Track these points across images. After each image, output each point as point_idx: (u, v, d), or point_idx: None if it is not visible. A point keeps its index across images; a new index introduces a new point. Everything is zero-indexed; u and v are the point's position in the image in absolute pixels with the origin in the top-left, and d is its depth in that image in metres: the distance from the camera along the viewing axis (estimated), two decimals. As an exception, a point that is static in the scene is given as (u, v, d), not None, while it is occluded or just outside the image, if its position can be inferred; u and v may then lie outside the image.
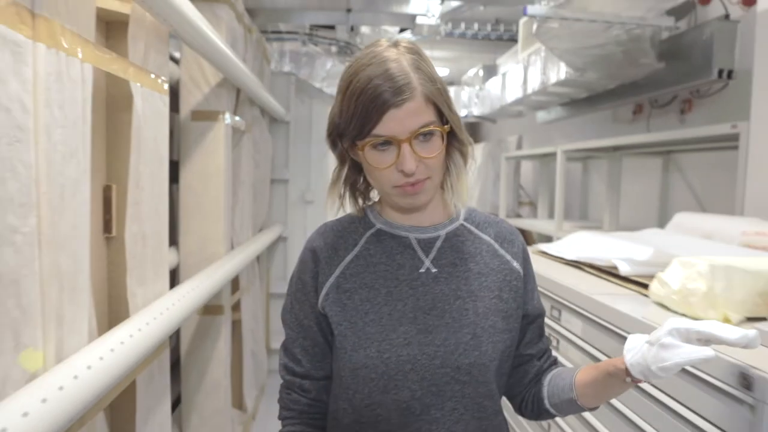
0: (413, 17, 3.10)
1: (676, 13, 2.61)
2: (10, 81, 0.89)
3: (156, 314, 1.43)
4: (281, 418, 0.97)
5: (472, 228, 0.95)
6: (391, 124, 0.81)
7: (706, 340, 0.75)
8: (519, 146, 5.26)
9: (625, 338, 0.92)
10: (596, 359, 1.13)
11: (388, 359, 0.86)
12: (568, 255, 1.47)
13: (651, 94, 2.92)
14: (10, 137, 0.89)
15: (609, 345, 1.06)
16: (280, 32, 3.65)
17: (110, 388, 1.15)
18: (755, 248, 1.41)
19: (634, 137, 2.86)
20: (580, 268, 1.41)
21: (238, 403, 2.99)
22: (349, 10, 2.92)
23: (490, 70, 4.75)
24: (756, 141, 1.95)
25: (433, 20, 3.08)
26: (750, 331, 0.70)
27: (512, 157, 4.59)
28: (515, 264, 0.94)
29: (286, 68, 3.99)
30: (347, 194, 0.94)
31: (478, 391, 0.88)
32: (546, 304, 1.40)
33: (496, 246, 0.95)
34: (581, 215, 4.36)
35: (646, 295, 1.09)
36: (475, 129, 7.39)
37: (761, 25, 1.95)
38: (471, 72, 5.22)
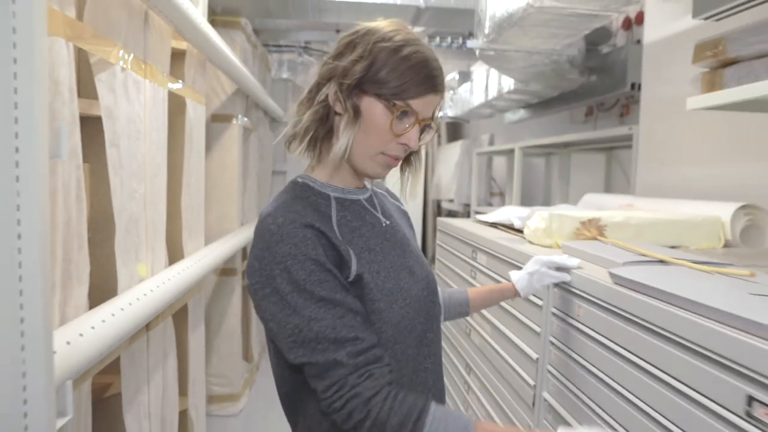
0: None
1: (602, 38, 3.28)
2: (135, 104, 1.52)
3: (198, 259, 2.07)
4: (373, 407, 0.81)
5: (375, 189, 1.08)
6: (425, 103, 0.89)
7: (559, 267, 1.21)
8: (491, 143, 5.90)
9: (512, 264, 1.55)
10: (495, 281, 1.74)
11: (410, 305, 0.93)
12: (489, 219, 2.11)
13: (587, 100, 3.56)
14: (135, 137, 1.52)
15: (503, 269, 1.68)
16: (279, 45, 4.27)
17: (175, 300, 1.77)
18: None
19: (564, 137, 3.51)
20: (494, 226, 2.05)
21: (246, 354, 3.61)
22: (338, 31, 3.55)
23: (465, 76, 5.37)
24: (643, 140, 2.59)
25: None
26: (577, 260, 1.23)
27: (482, 152, 5.24)
28: (405, 209, 1.16)
29: (284, 75, 4.62)
30: (306, 140, 0.95)
31: (439, 310, 1.06)
32: (467, 249, 2.05)
33: (392, 200, 1.13)
34: (543, 203, 5.01)
35: (524, 238, 1.71)
36: (456, 128, 8.03)
37: (646, 55, 2.59)
38: (449, 77, 5.86)
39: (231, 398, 3.22)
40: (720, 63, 1.44)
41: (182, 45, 2.03)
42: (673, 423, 0.85)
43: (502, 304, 1.64)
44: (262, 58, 3.82)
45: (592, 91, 3.43)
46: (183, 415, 2.20)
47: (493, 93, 3.88)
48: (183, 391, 2.16)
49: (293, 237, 0.85)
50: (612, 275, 1.06)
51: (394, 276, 0.93)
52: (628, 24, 3.18)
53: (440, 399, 1.03)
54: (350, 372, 0.83)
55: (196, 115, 2.14)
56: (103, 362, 1.34)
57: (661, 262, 1.17)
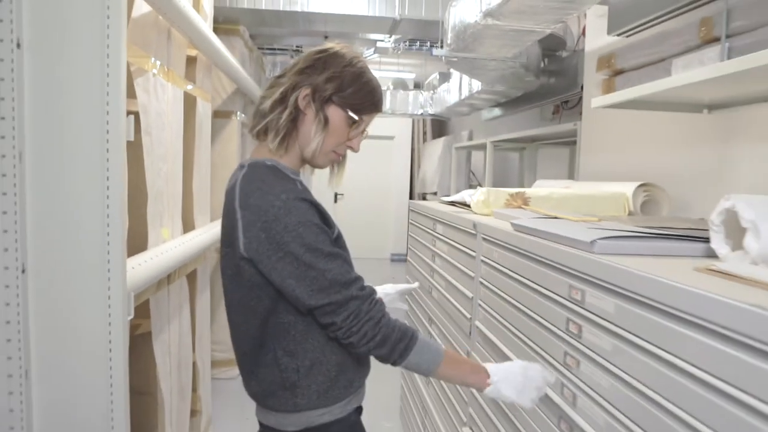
0: (375, 41, 4.17)
1: (559, 45, 3.72)
2: (161, 102, 1.93)
3: (205, 230, 2.49)
4: (382, 326, 1.09)
5: None
6: (370, 118, 1.21)
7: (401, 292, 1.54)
8: (470, 139, 6.33)
9: (460, 230, 1.98)
10: (452, 247, 2.16)
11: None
12: (449, 199, 2.54)
13: (551, 99, 4.00)
14: (161, 128, 1.94)
15: (453, 234, 2.09)
16: (273, 48, 4.68)
17: (188, 260, 2.19)
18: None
19: (526, 132, 3.96)
20: (453, 204, 2.47)
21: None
22: (326, 37, 3.97)
23: (444, 76, 5.81)
24: (583, 134, 3.03)
25: (390, 44, 4.14)
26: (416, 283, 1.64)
27: (460, 147, 5.68)
28: None
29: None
30: (281, 136, 1.16)
31: None
32: (430, 222, 2.48)
33: None
34: (515, 194, 5.45)
35: (471, 210, 2.14)
36: (441, 126, 8.48)
37: (587, 61, 3.02)
38: (430, 77, 6.29)
39: (230, 363, 3.64)
40: (613, 72, 1.87)
41: (193, 52, 2.45)
42: (539, 316, 1.28)
43: (447, 258, 2.08)
44: (257, 60, 4.24)
45: (553, 91, 3.87)
46: (193, 365, 2.62)
47: (465, 93, 4.31)
48: (192, 345, 2.58)
49: (298, 209, 1.07)
50: (513, 225, 1.49)
51: (343, 243, 1.21)
52: (585, 32, 3.61)
53: None
54: (362, 302, 1.09)
55: (204, 112, 2.55)
56: (139, 299, 1.75)
57: (555, 218, 1.60)
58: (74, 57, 1.19)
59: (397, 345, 1.11)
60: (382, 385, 3.89)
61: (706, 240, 1.08)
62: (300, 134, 1.19)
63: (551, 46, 3.67)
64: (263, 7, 3.24)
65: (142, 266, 1.55)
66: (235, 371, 3.82)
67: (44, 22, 1.17)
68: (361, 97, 1.19)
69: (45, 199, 1.21)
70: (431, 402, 2.40)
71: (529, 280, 1.35)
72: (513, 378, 1.14)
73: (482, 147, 5.30)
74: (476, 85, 4.01)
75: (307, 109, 1.17)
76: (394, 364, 1.14)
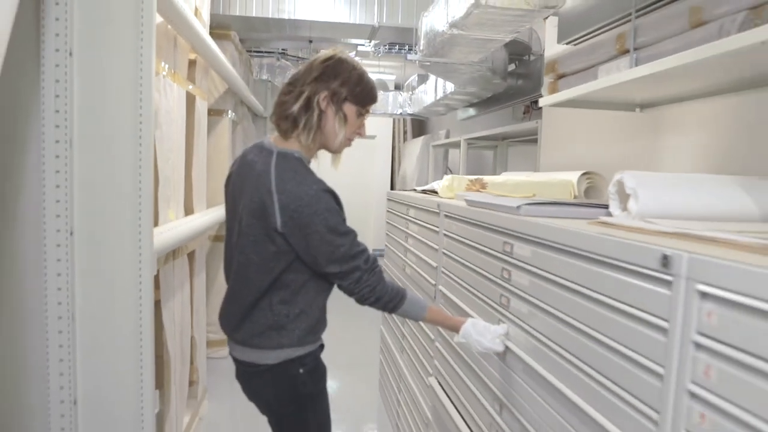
0: (356, 45, 4.49)
1: (524, 50, 4.07)
2: (169, 100, 2.23)
3: (202, 215, 2.79)
4: (377, 291, 1.44)
5: None
6: (370, 109, 1.55)
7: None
8: (447, 137, 6.68)
9: (427, 211, 2.30)
10: (421, 226, 2.48)
11: None
12: (421, 188, 2.87)
13: (519, 100, 4.35)
14: (169, 123, 2.24)
15: (425, 216, 2.40)
16: (260, 51, 4.98)
17: (189, 239, 2.48)
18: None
19: (494, 130, 4.30)
20: (425, 192, 2.80)
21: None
22: (310, 41, 4.28)
23: (422, 78, 6.14)
24: (543, 132, 3.37)
25: (370, 48, 4.46)
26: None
27: (437, 145, 6.01)
28: None
29: (264, 77, 5.33)
30: (307, 132, 1.48)
31: None
32: (403, 207, 2.80)
33: None
34: (488, 190, 5.80)
35: (438, 195, 2.46)
36: (421, 126, 8.82)
37: (545, 66, 3.36)
38: (409, 79, 6.63)
39: (222, 343, 3.93)
40: (557, 76, 2.21)
41: (193, 56, 2.74)
42: (482, 269, 1.60)
43: (417, 236, 2.40)
44: (246, 62, 4.53)
45: (521, 92, 4.22)
46: (191, 339, 2.91)
47: (440, 93, 4.64)
48: (190, 319, 2.88)
49: (325, 199, 1.39)
50: (466, 200, 1.82)
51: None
52: (549, 39, 3.97)
53: None
54: (363, 273, 1.43)
55: (202, 109, 2.85)
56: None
57: (502, 196, 1.93)
58: (113, 63, 1.49)
59: (388, 304, 1.48)
60: (363, 366, 4.22)
61: (607, 206, 1.42)
62: (325, 130, 1.51)
63: (518, 51, 4.02)
64: (254, 14, 3.55)
65: (157, 238, 1.86)
66: (227, 351, 4.12)
67: (89, 36, 1.48)
68: (366, 93, 1.52)
69: (89, 176, 1.51)
70: (404, 365, 2.72)
71: (476, 243, 1.68)
72: (478, 326, 1.50)
73: (457, 145, 5.64)
74: (450, 86, 4.35)
75: (328, 109, 1.49)
76: (390, 312, 1.51)
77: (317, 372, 1.57)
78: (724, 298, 0.71)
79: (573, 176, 2.47)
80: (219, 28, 3.64)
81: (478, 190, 2.30)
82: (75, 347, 1.54)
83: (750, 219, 1.28)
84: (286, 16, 3.58)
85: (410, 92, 6.11)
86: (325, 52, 1.54)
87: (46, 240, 1.49)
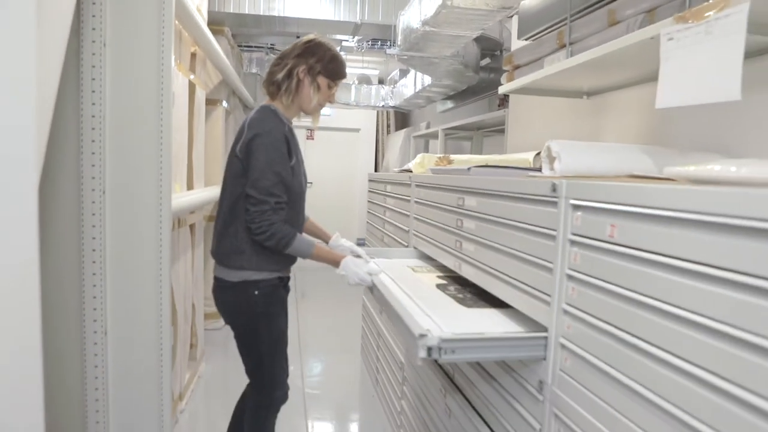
0: (341, 41, 4.82)
1: (495, 46, 4.42)
2: (176, 86, 2.55)
3: (200, 192, 3.11)
4: (273, 230, 1.75)
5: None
6: (340, 82, 1.96)
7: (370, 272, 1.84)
8: (427, 128, 7.03)
9: (401, 184, 2.64)
10: (396, 198, 2.82)
11: (302, 186, 1.92)
12: (399, 168, 3.22)
13: (493, 91, 4.72)
14: (178, 107, 2.56)
15: (400, 189, 2.75)
16: (250, 46, 5.30)
17: (189, 211, 2.81)
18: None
19: (466, 120, 4.65)
20: (402, 171, 3.15)
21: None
22: (298, 37, 4.59)
23: (404, 72, 6.49)
24: (510, 120, 3.73)
25: (354, 43, 4.80)
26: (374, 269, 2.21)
27: (418, 135, 6.36)
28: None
29: (254, 70, 5.64)
30: (285, 94, 1.87)
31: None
32: (381, 186, 3.14)
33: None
34: (465, 178, 6.15)
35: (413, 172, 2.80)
36: (404, 119, 9.18)
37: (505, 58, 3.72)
38: (392, 73, 6.97)
39: (216, 315, 4.25)
40: (513, 67, 2.57)
41: (192, 49, 3.06)
42: (443, 224, 1.95)
43: (393, 208, 2.75)
44: (237, 56, 4.84)
45: (494, 85, 4.58)
46: (192, 306, 3.24)
47: (419, 86, 4.99)
48: (191, 285, 3.20)
49: (275, 137, 1.78)
50: (430, 169, 2.16)
51: (299, 168, 1.90)
52: (514, 36, 4.33)
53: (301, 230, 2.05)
54: (271, 209, 1.75)
55: (201, 97, 3.17)
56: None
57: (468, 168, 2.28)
58: (139, 53, 1.82)
59: (281, 240, 1.79)
60: (347, 337, 4.56)
61: (540, 170, 1.77)
62: (301, 96, 1.92)
63: (490, 47, 4.38)
64: (246, 12, 3.87)
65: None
66: (221, 322, 4.44)
67: (120, 31, 1.80)
68: (336, 70, 1.94)
69: (119, 144, 1.84)
70: (382, 325, 3.07)
71: (438, 203, 2.03)
72: (355, 261, 1.87)
73: (436, 135, 5.99)
74: (428, 79, 4.70)
75: (305, 79, 1.90)
76: (282, 250, 1.81)
77: (271, 297, 1.90)
78: (584, 206, 1.07)
79: (530, 155, 2.83)
80: (213, 23, 3.95)
81: (445, 165, 2.65)
82: (106, 287, 1.87)
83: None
84: (276, 14, 3.91)
85: (392, 86, 6.46)
86: (307, 36, 1.98)
87: (83, 197, 1.81)
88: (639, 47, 1.62)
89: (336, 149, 8.94)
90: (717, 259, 0.75)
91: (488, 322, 1.37)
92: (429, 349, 1.11)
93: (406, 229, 2.51)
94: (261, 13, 3.91)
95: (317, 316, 5.14)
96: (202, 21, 2.71)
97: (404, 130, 7.73)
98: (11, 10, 0.92)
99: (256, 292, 1.86)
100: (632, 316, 0.92)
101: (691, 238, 0.80)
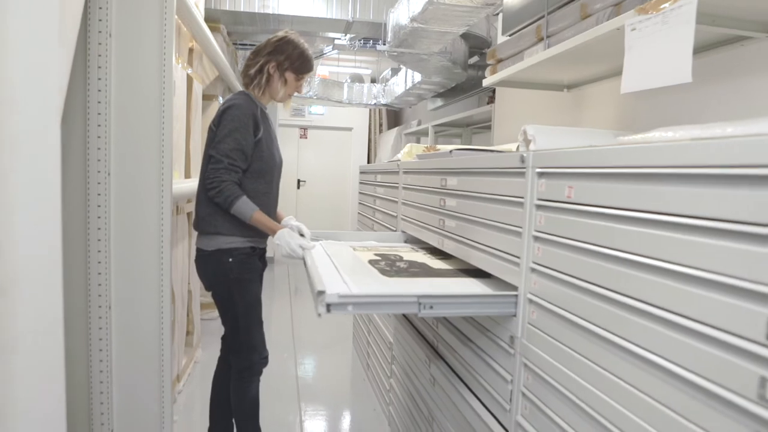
0: (332, 39, 4.95)
1: (483, 44, 4.56)
2: (175, 77, 2.67)
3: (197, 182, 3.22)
4: (223, 188, 1.97)
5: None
6: (307, 75, 2.21)
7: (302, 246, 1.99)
8: (419, 126, 7.16)
9: (390, 173, 2.77)
10: (386, 187, 2.95)
11: (272, 161, 2.13)
12: (389, 160, 3.35)
13: (481, 88, 4.85)
14: (177, 97, 2.68)
15: (389, 177, 2.87)
16: (244, 43, 5.40)
17: (190, 196, 2.92)
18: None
19: (454, 116, 4.79)
20: (391, 162, 3.28)
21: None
22: (291, 34, 4.72)
23: (395, 71, 6.62)
24: (496, 114, 3.87)
25: (346, 41, 4.93)
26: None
27: (409, 133, 6.49)
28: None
29: (248, 68, 5.74)
30: (258, 86, 2.14)
31: (279, 171, 2.28)
32: (372, 176, 3.27)
33: (267, 113, 2.21)
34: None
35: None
36: (396, 116, 9.32)
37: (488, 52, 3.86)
38: (384, 72, 7.10)
39: (212, 306, 4.36)
40: (496, 61, 2.70)
41: (190, 44, 3.18)
42: (427, 205, 2.08)
43: (383, 196, 2.88)
44: (232, 54, 4.96)
45: (482, 82, 4.72)
46: (188, 293, 3.35)
47: (410, 83, 5.12)
48: (188, 273, 3.31)
49: (243, 113, 2.01)
50: (417, 156, 2.29)
51: (270, 148, 2.13)
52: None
53: (273, 209, 2.24)
54: (225, 168, 1.97)
55: (197, 91, 3.29)
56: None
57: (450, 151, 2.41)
58: (143, 43, 1.94)
59: (227, 199, 1.98)
60: (339, 330, 4.69)
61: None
62: (271, 88, 2.18)
63: (478, 44, 4.52)
64: (241, 9, 3.99)
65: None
66: (215, 313, 4.55)
67: (125, 21, 1.92)
68: (302, 65, 2.17)
69: (124, 130, 1.95)
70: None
71: (424, 186, 2.16)
72: (291, 233, 2.01)
73: (426, 132, 6.13)
74: (418, 77, 4.83)
75: (274, 74, 2.16)
76: (228, 209, 1.99)
77: (244, 265, 2.08)
78: (547, 172, 1.20)
79: (513, 146, 2.96)
80: (209, 21, 4.06)
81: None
82: (110, 262, 1.98)
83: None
84: (270, 11, 4.03)
85: (384, 84, 6.59)
86: (279, 33, 2.18)
87: (89, 178, 1.93)
88: (608, 38, 1.75)
89: (329, 148, 9.06)
90: (658, 206, 0.88)
91: (396, 288, 1.48)
92: (328, 306, 1.24)
93: (395, 214, 2.64)
94: (256, 11, 4.03)
95: (311, 310, 5.26)
96: (200, 15, 2.83)
97: (396, 128, 7.87)
98: (35, 8, 1.04)
99: (230, 260, 2.06)
100: (589, 266, 1.05)
101: (634, 190, 0.93)
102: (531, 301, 1.27)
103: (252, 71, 2.15)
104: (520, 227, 1.31)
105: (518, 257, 1.32)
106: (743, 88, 1.69)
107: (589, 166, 1.05)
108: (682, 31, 1.41)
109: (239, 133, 2.01)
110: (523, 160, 1.30)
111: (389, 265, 1.81)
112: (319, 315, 1.23)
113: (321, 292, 1.24)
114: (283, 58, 2.12)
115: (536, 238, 1.25)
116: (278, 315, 4.97)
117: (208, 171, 2.01)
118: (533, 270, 1.26)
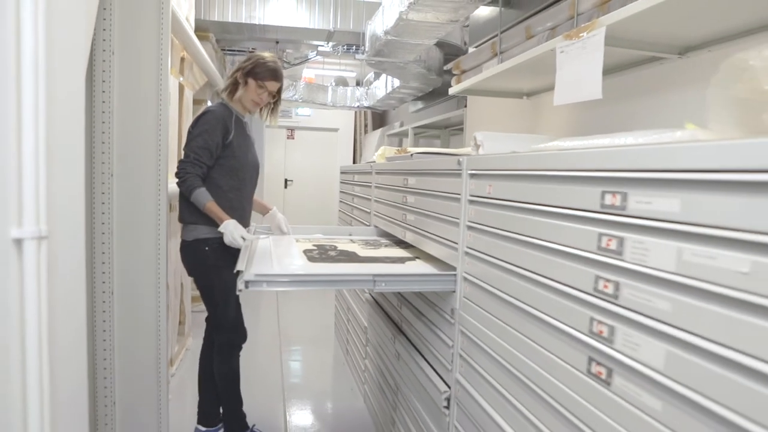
0: (316, 46, 5.22)
1: (458, 51, 4.85)
2: (170, 86, 2.93)
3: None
4: (186, 178, 2.31)
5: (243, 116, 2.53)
6: (273, 87, 2.43)
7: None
8: (401, 127, 7.44)
9: (364, 173, 3.05)
10: (360, 185, 3.22)
11: (246, 164, 2.45)
12: (366, 161, 3.63)
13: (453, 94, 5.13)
14: (171, 104, 2.94)
15: (363, 177, 3.15)
16: (233, 50, 5.67)
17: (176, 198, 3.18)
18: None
19: (431, 119, 5.07)
20: (369, 163, 3.55)
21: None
22: (277, 42, 4.99)
23: (378, 75, 6.90)
24: (468, 118, 4.16)
25: (329, 48, 5.20)
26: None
27: (392, 134, 6.77)
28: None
29: (236, 72, 6.01)
30: (230, 93, 2.44)
31: (256, 176, 2.63)
32: (351, 176, 3.54)
33: (248, 123, 2.54)
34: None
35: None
36: (381, 118, 9.60)
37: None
38: (368, 76, 7.38)
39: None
40: (461, 71, 2.99)
41: (182, 54, 3.44)
42: (394, 202, 2.36)
43: (359, 194, 3.15)
44: (221, 60, 5.22)
45: (457, 87, 5.02)
46: (181, 285, 3.61)
47: (390, 88, 5.40)
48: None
49: (215, 119, 2.33)
50: (386, 158, 2.57)
51: (242, 149, 2.42)
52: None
53: (246, 216, 2.54)
54: (191, 162, 2.29)
55: (189, 97, 3.55)
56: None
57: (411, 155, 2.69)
58: (142, 59, 2.21)
59: (188, 188, 2.30)
60: (323, 326, 4.94)
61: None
62: (237, 94, 2.44)
63: (452, 51, 4.80)
64: (229, 20, 4.25)
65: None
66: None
67: (125, 40, 2.19)
68: (260, 72, 2.41)
69: (125, 136, 2.22)
70: (350, 298, 3.47)
71: (389, 185, 2.44)
72: (236, 225, 2.28)
73: (407, 133, 6.41)
74: (397, 82, 5.11)
75: (240, 81, 2.43)
76: (188, 196, 2.31)
77: (219, 252, 2.35)
78: (476, 173, 1.48)
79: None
80: (199, 30, 4.32)
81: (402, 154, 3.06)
82: (113, 253, 2.24)
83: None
84: (257, 22, 4.29)
85: (366, 87, 6.87)
86: (252, 54, 2.49)
87: (94, 178, 2.19)
88: (548, 56, 2.04)
89: (315, 148, 9.32)
90: (556, 200, 1.16)
91: (313, 269, 1.74)
92: (246, 282, 1.51)
93: (368, 210, 2.92)
94: (243, 21, 4.30)
95: (297, 309, 5.52)
96: (190, 29, 3.09)
97: (380, 129, 8.14)
98: (65, 21, 1.31)
99: (206, 248, 2.36)
100: (506, 248, 1.33)
101: (534, 187, 1.22)
102: (465, 279, 1.55)
103: (227, 83, 2.48)
104: (458, 218, 1.59)
105: (456, 243, 1.60)
106: (663, 101, 1.98)
107: (503, 169, 1.33)
108: (596, 56, 1.70)
109: (208, 135, 2.31)
110: (459, 163, 1.58)
111: (320, 254, 2.07)
112: (239, 291, 1.51)
113: (239, 272, 1.53)
114: (250, 65, 2.42)
115: (469, 227, 1.53)
116: (265, 312, 5.22)
117: (180, 164, 2.32)
118: (467, 253, 1.55)
